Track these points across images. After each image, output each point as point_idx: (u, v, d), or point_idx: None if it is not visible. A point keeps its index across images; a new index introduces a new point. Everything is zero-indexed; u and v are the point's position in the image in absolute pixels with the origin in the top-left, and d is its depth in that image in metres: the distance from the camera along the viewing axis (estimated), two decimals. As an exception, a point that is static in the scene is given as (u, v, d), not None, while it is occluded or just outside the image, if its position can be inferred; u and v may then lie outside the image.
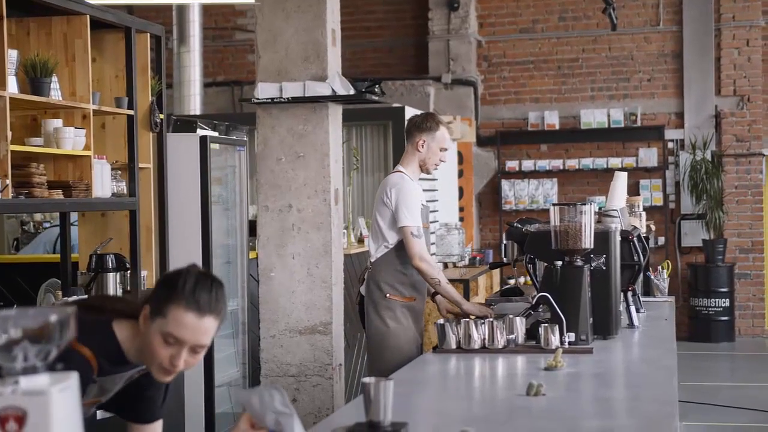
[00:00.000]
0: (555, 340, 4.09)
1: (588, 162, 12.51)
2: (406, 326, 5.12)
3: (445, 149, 5.24)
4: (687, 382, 9.28)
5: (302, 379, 5.65)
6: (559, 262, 4.31)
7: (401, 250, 5.09)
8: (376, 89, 5.79)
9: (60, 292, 5.40)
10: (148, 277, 5.78)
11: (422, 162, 5.18)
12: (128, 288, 5.53)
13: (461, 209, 12.14)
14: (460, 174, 12.18)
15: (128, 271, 5.51)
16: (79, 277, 5.49)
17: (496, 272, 10.59)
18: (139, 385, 2.80)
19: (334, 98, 5.54)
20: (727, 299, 12.01)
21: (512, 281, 10.04)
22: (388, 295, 5.12)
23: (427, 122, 5.21)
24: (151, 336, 2.56)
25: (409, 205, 5.04)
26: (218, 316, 2.59)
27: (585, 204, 4.34)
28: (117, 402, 2.81)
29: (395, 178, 5.16)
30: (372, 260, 5.23)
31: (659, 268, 6.32)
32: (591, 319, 4.28)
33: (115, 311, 2.69)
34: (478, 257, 10.49)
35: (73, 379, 1.73)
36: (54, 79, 4.85)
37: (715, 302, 11.98)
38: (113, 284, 5.33)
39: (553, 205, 4.38)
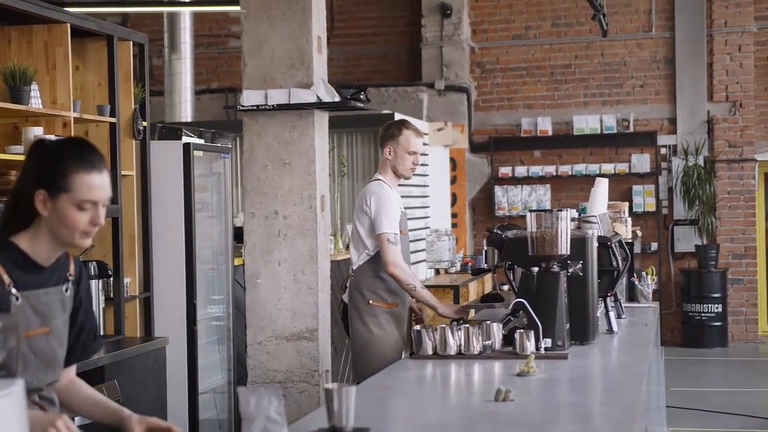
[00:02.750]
0: (530, 346, 4.10)
1: (581, 168, 12.52)
2: (389, 332, 5.18)
3: (414, 152, 5.29)
4: (678, 388, 9.28)
5: (289, 385, 5.66)
6: (536, 268, 4.32)
7: None
8: (361, 96, 5.80)
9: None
10: (131, 284, 5.79)
11: (394, 169, 5.28)
12: (111, 295, 5.55)
13: (454, 215, 12.16)
14: (453, 180, 12.20)
15: (111, 279, 5.53)
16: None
17: (488, 278, 10.59)
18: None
19: (320, 105, 5.55)
20: (720, 305, 12.01)
21: (506, 287, 10.04)
22: (370, 301, 5.19)
23: (389, 130, 5.33)
24: (63, 212, 2.63)
25: (388, 213, 5.12)
26: (107, 168, 2.74)
27: (561, 210, 4.35)
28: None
29: (374, 187, 5.25)
30: (354, 267, 5.31)
31: (643, 273, 6.32)
32: (568, 324, 4.30)
33: (5, 233, 2.71)
34: (470, 263, 10.49)
35: (17, 386, 1.75)
36: (34, 87, 4.87)
37: (707, 308, 11.98)
38: (95, 291, 5.34)
39: (530, 211, 4.40)
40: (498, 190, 12.70)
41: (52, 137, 2.76)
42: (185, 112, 10.75)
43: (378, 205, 5.14)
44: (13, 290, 2.62)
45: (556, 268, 4.33)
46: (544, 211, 4.37)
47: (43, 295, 2.70)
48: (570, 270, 4.41)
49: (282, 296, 5.60)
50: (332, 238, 8.01)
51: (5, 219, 2.72)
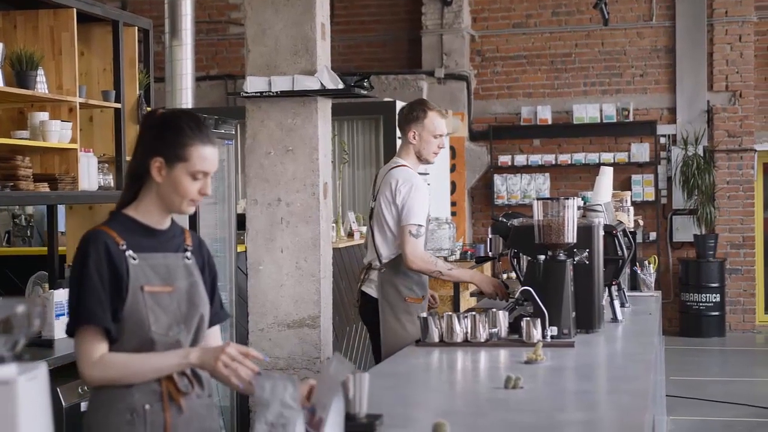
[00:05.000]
0: (537, 334, 4.11)
1: (580, 157, 12.53)
2: (419, 327, 5.09)
3: (440, 135, 5.08)
4: (676, 377, 9.31)
5: (290, 372, 5.66)
6: (542, 257, 4.33)
7: None
8: (364, 83, 5.79)
9: (47, 285, 5.41)
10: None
11: (418, 153, 5.09)
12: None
13: (454, 204, 12.17)
14: (453, 168, 12.21)
15: (115, 264, 5.51)
16: (66, 269, 5.50)
17: (488, 267, 10.61)
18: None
19: (323, 92, 5.54)
20: (718, 294, 12.04)
21: (505, 276, 10.04)
22: (407, 299, 5.04)
23: (413, 112, 5.10)
24: (177, 180, 2.80)
25: (417, 203, 4.92)
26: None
27: (568, 199, 4.35)
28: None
29: (405, 174, 5.03)
30: (384, 261, 5.08)
31: (646, 263, 6.34)
32: (574, 313, 4.30)
33: (120, 207, 2.88)
34: (469, 252, 10.50)
35: (41, 369, 1.75)
36: (40, 72, 4.86)
37: (705, 297, 12.01)
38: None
39: (537, 199, 4.39)
40: (497, 179, 12.71)
41: (162, 109, 2.96)
42: (186, 99, 10.69)
43: (409, 194, 4.91)
44: (129, 251, 2.77)
45: (562, 257, 4.33)
46: (551, 199, 4.36)
47: (161, 258, 2.84)
48: (576, 258, 4.41)
49: (284, 283, 5.60)
50: (334, 225, 8.01)
51: (122, 192, 2.89)
